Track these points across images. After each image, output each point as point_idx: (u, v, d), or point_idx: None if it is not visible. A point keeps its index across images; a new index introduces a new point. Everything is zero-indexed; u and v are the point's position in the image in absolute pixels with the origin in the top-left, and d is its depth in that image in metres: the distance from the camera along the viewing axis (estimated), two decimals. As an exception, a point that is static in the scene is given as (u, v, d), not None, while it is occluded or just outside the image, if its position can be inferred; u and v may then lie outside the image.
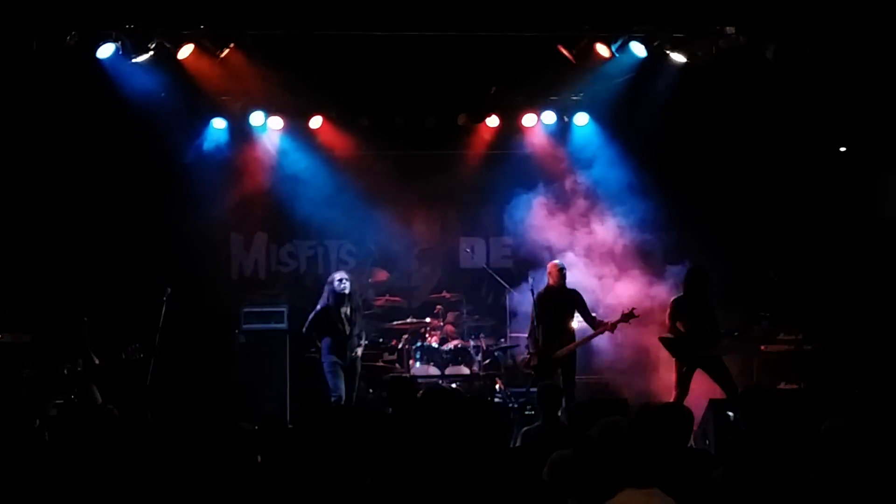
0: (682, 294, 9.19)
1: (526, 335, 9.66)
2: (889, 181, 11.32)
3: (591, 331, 9.40)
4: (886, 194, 11.42)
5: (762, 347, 9.72)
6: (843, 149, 11.37)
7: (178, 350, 9.33)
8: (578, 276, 10.08)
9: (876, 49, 8.65)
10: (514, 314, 10.59)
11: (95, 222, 10.43)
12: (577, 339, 9.39)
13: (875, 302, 10.12)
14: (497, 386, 10.09)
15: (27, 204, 9.86)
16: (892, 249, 10.62)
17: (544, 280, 9.53)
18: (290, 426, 5.86)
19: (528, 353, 9.46)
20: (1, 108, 9.18)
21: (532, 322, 9.42)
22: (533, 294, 9.45)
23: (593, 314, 9.44)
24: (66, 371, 8.32)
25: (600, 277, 10.54)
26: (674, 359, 9.08)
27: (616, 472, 3.65)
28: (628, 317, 9.28)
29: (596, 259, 10.66)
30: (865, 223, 11.35)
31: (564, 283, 9.40)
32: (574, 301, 9.41)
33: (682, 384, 8.98)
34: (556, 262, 9.58)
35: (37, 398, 7.88)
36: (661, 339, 9.18)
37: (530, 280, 9.69)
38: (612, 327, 9.29)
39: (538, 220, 10.83)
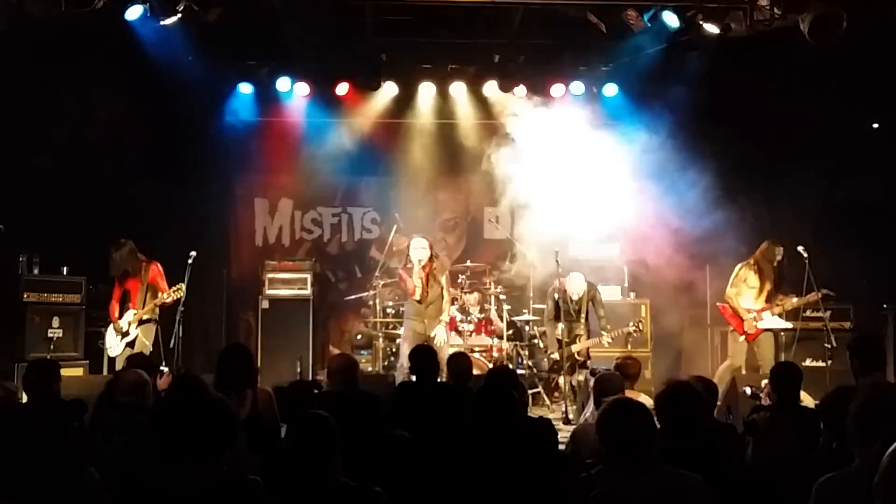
0: (751, 262, 9.15)
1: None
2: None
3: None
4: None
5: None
6: (875, 125, 11.17)
7: (202, 313, 9.36)
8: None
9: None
10: (537, 286, 10.52)
11: (121, 184, 10.42)
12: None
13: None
14: (519, 357, 10.07)
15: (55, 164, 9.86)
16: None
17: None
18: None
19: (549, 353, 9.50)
20: (31, 70, 9.17)
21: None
22: (558, 265, 9.42)
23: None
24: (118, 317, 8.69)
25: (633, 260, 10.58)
26: (730, 327, 9.14)
27: (612, 454, 3.61)
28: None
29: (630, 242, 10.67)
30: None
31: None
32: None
33: (737, 355, 9.03)
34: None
35: None
36: (720, 307, 9.27)
37: (556, 253, 9.62)
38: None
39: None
